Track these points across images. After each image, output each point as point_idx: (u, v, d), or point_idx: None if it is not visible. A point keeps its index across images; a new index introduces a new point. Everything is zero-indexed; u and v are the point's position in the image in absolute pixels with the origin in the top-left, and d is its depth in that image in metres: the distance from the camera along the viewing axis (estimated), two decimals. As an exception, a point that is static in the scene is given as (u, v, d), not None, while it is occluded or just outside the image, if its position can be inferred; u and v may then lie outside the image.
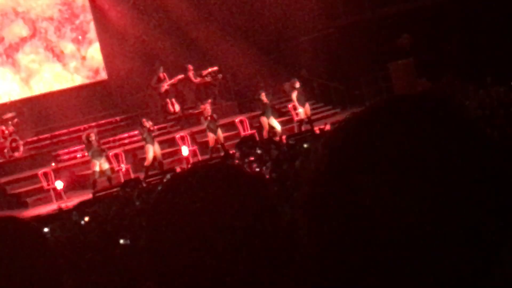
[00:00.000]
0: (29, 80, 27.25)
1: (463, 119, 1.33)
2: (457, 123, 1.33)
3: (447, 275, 1.26)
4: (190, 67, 26.44)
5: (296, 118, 23.83)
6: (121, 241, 9.20)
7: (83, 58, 28.22)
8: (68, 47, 27.96)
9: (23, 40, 27.29)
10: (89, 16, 28.30)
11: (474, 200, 1.27)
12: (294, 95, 23.59)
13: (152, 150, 22.18)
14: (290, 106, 24.20)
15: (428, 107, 1.34)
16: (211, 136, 22.84)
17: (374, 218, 1.27)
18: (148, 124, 22.19)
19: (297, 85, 23.57)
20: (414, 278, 1.26)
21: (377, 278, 1.28)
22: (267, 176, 12.33)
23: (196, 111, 26.02)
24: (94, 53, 28.35)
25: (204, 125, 23.06)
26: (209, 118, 22.85)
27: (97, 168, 21.50)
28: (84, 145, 22.45)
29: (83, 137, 22.30)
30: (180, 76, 26.49)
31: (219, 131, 22.99)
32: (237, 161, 16.20)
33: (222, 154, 21.66)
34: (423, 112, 1.33)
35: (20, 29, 27.28)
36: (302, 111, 23.59)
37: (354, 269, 1.29)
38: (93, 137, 21.69)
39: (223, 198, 1.77)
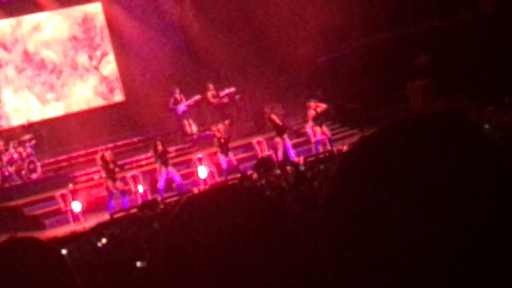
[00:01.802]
0: (46, 99, 27.40)
1: (481, 139, 1.33)
2: (475, 143, 1.32)
3: None
4: (211, 86, 26.61)
5: (313, 139, 23.85)
6: (138, 263, 9.18)
7: (100, 79, 28.37)
8: (85, 68, 28.13)
9: (41, 57, 27.50)
10: (106, 37, 28.48)
11: (494, 221, 1.26)
12: (311, 115, 23.79)
13: (165, 172, 22.23)
14: (307, 127, 24.23)
15: (443, 126, 1.33)
16: (222, 158, 22.98)
17: (390, 238, 1.26)
18: (160, 147, 22.27)
19: (314, 106, 23.85)
20: None
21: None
22: (285, 197, 12.30)
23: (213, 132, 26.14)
24: (112, 74, 28.50)
25: (215, 147, 23.19)
26: (223, 141, 22.95)
27: (112, 189, 21.59)
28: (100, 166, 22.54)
29: (97, 158, 22.38)
30: (197, 97, 26.60)
31: (231, 153, 23.07)
32: (254, 182, 16.20)
33: (239, 175, 21.69)
34: (438, 131, 1.32)
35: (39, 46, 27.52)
36: (318, 131, 23.71)
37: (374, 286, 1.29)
38: (107, 158, 21.76)
39: (240, 220, 1.76)
